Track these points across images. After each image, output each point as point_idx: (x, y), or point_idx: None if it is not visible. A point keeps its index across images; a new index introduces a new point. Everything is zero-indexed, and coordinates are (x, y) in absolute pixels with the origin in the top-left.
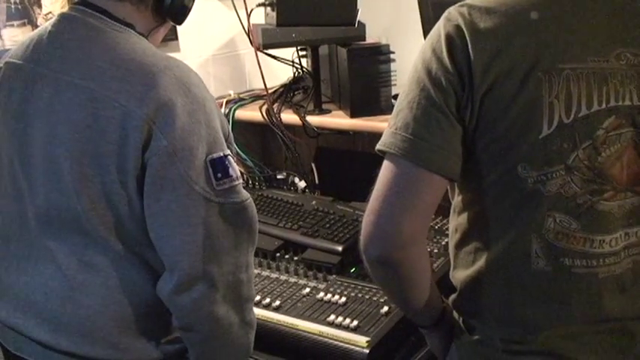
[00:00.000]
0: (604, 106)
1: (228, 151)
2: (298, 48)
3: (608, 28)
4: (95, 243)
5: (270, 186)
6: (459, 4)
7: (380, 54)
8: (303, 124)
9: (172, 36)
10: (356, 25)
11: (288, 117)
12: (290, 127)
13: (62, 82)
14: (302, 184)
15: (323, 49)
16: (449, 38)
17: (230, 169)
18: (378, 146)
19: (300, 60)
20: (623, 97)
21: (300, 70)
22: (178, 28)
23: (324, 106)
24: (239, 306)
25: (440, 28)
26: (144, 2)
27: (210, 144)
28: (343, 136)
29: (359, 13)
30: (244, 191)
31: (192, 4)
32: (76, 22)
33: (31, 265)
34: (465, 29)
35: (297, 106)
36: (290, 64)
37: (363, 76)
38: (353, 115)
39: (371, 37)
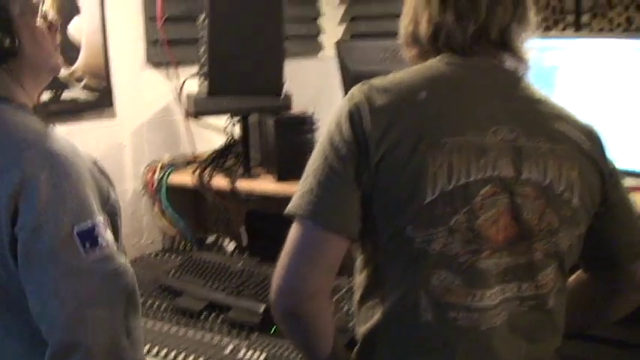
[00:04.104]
0: (481, 176)
1: (98, 219)
2: (231, 115)
3: (487, 107)
4: None
5: (201, 248)
6: (362, 83)
7: (305, 124)
8: (232, 189)
9: (108, 102)
10: (282, 96)
11: (220, 181)
12: (222, 191)
13: None
14: (231, 246)
15: (253, 117)
16: (350, 113)
17: (99, 238)
18: (287, 209)
19: (232, 126)
20: (499, 168)
21: (231, 137)
22: (115, 94)
23: (253, 171)
24: None
25: (344, 104)
26: None
27: (77, 214)
28: (271, 199)
29: (285, 84)
30: (118, 258)
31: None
32: None
33: None
34: (363, 105)
35: (228, 170)
36: (221, 132)
37: (289, 143)
38: (279, 180)
39: (298, 106)
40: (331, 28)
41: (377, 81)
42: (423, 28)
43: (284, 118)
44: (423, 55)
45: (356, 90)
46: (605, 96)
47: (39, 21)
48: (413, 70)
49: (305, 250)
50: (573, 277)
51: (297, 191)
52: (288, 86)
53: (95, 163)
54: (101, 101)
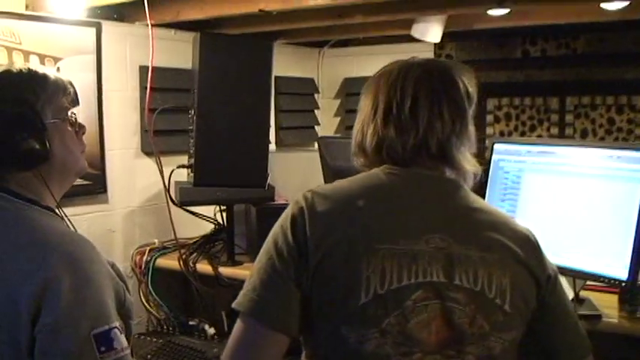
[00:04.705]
0: (413, 281)
1: (114, 324)
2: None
3: (422, 216)
4: None
5: (183, 332)
6: (308, 190)
7: None
8: (216, 275)
9: (101, 189)
10: (266, 188)
11: (205, 266)
12: (206, 276)
13: None
14: (211, 330)
15: (239, 206)
16: (293, 218)
17: (114, 342)
18: (233, 305)
19: (222, 214)
20: (430, 274)
21: (218, 224)
22: (108, 181)
23: (237, 258)
24: None
25: (289, 208)
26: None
27: (95, 319)
28: None
29: (269, 177)
30: None
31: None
32: None
33: None
34: (306, 211)
35: (213, 256)
36: (206, 220)
37: None
38: None
39: (281, 196)
40: (327, 120)
41: (321, 188)
42: (368, 140)
43: (266, 209)
44: (369, 164)
45: (301, 196)
46: (567, 200)
47: (68, 126)
48: (355, 179)
49: (246, 346)
50: None
51: (243, 288)
52: (274, 177)
53: (113, 265)
54: (94, 187)
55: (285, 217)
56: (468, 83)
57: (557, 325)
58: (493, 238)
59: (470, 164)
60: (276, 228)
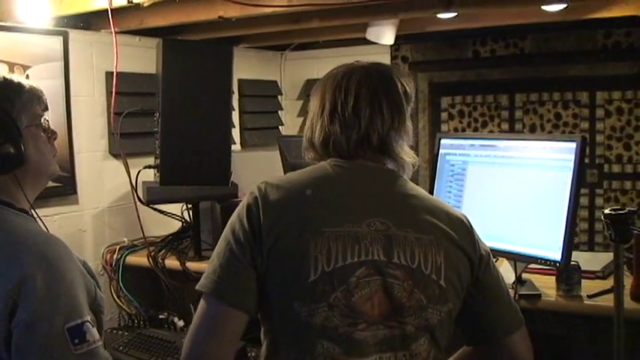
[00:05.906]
0: (356, 259)
1: (86, 317)
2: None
3: (364, 202)
4: None
5: (153, 325)
6: (262, 181)
7: None
8: (183, 269)
9: (71, 190)
10: (229, 185)
11: (173, 262)
12: (175, 271)
13: None
14: (181, 323)
15: (206, 203)
16: (249, 206)
17: (87, 334)
18: (197, 287)
19: (189, 212)
20: (372, 254)
21: (184, 222)
22: (78, 182)
23: (205, 253)
24: None
25: (245, 199)
26: None
27: (68, 313)
28: None
29: (232, 175)
30: (103, 352)
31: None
32: None
33: None
34: (259, 200)
35: (181, 252)
36: (174, 218)
37: None
38: None
39: (245, 194)
40: (291, 120)
41: (273, 179)
42: (317, 136)
43: (230, 206)
44: (318, 158)
45: (256, 187)
46: (506, 188)
47: (42, 132)
48: (304, 171)
49: (208, 323)
50: (461, 350)
51: (205, 271)
52: (238, 176)
53: (85, 264)
54: (65, 189)
55: (241, 207)
56: (407, 84)
57: (492, 300)
58: (428, 221)
59: (408, 156)
60: (233, 217)
